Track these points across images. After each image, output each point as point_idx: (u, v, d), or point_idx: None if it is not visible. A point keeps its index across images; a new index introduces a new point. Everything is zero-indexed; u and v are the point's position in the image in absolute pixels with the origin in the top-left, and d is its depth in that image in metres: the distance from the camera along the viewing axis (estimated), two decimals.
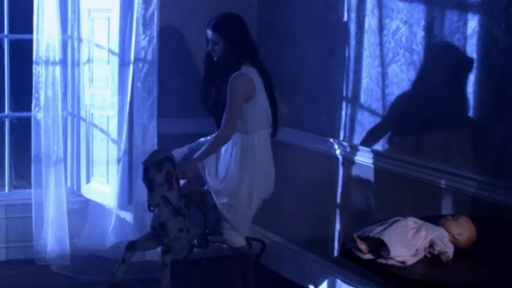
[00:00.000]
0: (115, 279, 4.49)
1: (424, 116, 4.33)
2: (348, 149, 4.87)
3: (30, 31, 5.40)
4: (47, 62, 5.39)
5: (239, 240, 4.59)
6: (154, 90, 5.43)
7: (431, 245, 2.96)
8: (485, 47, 3.90)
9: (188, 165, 4.57)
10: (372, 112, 4.70)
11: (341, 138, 4.96)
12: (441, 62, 4.23)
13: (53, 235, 5.47)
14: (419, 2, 4.31)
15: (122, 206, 5.53)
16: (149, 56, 5.40)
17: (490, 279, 2.83)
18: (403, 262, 2.89)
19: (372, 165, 4.69)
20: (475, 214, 3.76)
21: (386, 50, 4.56)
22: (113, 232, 5.56)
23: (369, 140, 4.73)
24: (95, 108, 5.62)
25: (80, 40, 5.64)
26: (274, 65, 5.43)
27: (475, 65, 3.96)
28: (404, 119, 4.49)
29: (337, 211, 5.02)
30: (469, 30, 3.98)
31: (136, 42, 5.37)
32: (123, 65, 5.42)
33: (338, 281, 5.01)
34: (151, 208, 4.49)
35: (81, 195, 5.75)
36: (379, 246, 2.92)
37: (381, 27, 4.59)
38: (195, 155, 4.56)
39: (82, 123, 5.70)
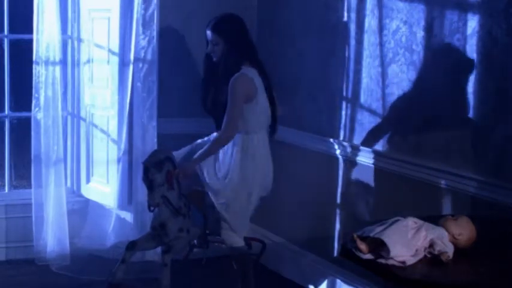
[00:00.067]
0: (115, 279, 4.50)
1: (424, 116, 4.33)
2: (348, 149, 4.87)
3: (30, 31, 5.40)
4: (47, 62, 5.39)
5: (238, 240, 4.59)
6: (154, 90, 5.44)
7: (431, 245, 2.96)
8: (485, 47, 3.90)
9: (188, 165, 4.58)
10: (372, 112, 4.70)
11: (341, 138, 4.97)
12: (441, 62, 4.23)
13: (53, 235, 5.48)
14: (419, 2, 4.31)
15: (122, 206, 5.53)
16: (149, 56, 5.40)
17: (490, 279, 2.83)
18: (403, 262, 2.89)
19: (372, 165, 4.69)
20: (475, 214, 3.76)
21: (386, 50, 4.56)
22: (113, 232, 5.56)
23: (369, 140, 4.73)
24: (95, 108, 5.62)
25: (80, 40, 5.64)
26: (274, 65, 5.43)
27: (475, 65, 3.96)
28: (404, 119, 4.49)
29: (337, 211, 5.02)
30: (469, 30, 3.98)
31: (136, 42, 5.37)
32: (123, 65, 5.42)
33: (338, 281, 5.01)
34: (151, 208, 4.49)
35: (81, 195, 5.75)
36: (379, 246, 2.92)
37: (381, 27, 4.59)
38: (196, 155, 4.56)
39: (82, 123, 5.70)
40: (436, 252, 2.94)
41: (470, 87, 4.00)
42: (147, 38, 5.38)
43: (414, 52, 4.35)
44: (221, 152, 4.57)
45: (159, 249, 4.87)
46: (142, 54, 5.39)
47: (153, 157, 4.51)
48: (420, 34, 4.31)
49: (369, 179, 4.73)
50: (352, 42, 4.84)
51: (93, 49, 5.58)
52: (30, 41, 5.41)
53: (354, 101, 4.84)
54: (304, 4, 5.32)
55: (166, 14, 5.55)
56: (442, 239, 2.97)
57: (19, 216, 5.61)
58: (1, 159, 5.94)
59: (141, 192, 5.20)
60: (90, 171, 5.69)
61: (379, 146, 4.65)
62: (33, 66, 5.40)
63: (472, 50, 3.98)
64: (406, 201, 4.39)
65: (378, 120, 4.67)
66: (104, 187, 5.60)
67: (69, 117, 5.79)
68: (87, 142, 5.67)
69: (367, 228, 3.01)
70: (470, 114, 4.02)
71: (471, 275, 2.90)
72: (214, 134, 4.70)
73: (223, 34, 4.52)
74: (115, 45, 5.44)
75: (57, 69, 5.42)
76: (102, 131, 5.57)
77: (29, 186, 5.62)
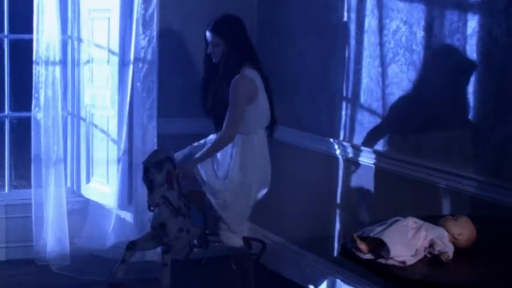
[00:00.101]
0: (115, 279, 4.50)
1: (424, 116, 4.33)
2: (348, 149, 4.87)
3: (30, 31, 5.40)
4: (47, 62, 5.39)
5: (236, 241, 4.59)
6: (154, 90, 5.44)
7: (431, 245, 2.96)
8: (485, 47, 3.90)
9: (188, 165, 4.57)
10: (372, 112, 4.70)
11: (341, 138, 4.96)
12: (441, 62, 4.23)
13: (52, 235, 5.48)
14: (419, 2, 4.31)
15: (121, 206, 5.53)
16: (149, 56, 5.40)
17: (490, 279, 2.83)
18: (403, 262, 2.89)
19: (372, 165, 4.69)
20: (475, 214, 3.76)
21: (386, 50, 4.56)
22: (113, 232, 5.56)
23: (369, 140, 4.73)
24: (95, 108, 5.62)
25: (80, 40, 5.64)
26: (274, 65, 5.44)
27: (475, 65, 3.96)
28: (404, 119, 4.49)
29: (337, 211, 5.02)
30: (469, 30, 3.98)
31: (136, 42, 5.37)
32: (123, 65, 5.42)
33: (338, 281, 5.01)
34: (151, 208, 4.49)
35: (81, 195, 5.75)
36: (379, 246, 2.92)
37: (381, 27, 4.59)
38: (196, 156, 4.57)
39: (82, 123, 5.70)
40: (436, 252, 2.94)
41: (470, 87, 4.00)
42: (147, 38, 5.38)
43: (414, 52, 4.35)
44: (220, 152, 4.57)
45: (159, 249, 4.87)
46: (142, 54, 5.39)
47: (153, 157, 4.51)
48: (420, 34, 4.31)
49: (369, 179, 4.72)
50: (352, 42, 4.84)
51: (93, 49, 5.58)
52: (30, 41, 5.41)
53: (354, 101, 4.84)
54: (304, 4, 5.32)
55: (166, 14, 5.55)
56: (442, 239, 2.97)
57: (19, 216, 5.61)
58: (1, 159, 5.94)
59: (141, 192, 5.20)
60: (90, 171, 5.69)
61: (379, 146, 4.65)
62: (33, 66, 5.40)
63: (472, 50, 3.98)
64: (406, 201, 4.39)
65: (378, 120, 4.67)
66: (104, 187, 5.60)
67: (69, 117, 5.79)
68: (87, 142, 5.67)
69: (367, 228, 3.01)
70: (470, 114, 4.02)
71: (471, 275, 2.90)
72: (212, 135, 4.70)
73: (224, 35, 4.52)
74: (115, 45, 5.44)
75: (57, 69, 5.42)
76: (102, 131, 5.57)
77: (29, 186, 5.62)
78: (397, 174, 4.47)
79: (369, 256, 2.94)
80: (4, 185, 5.79)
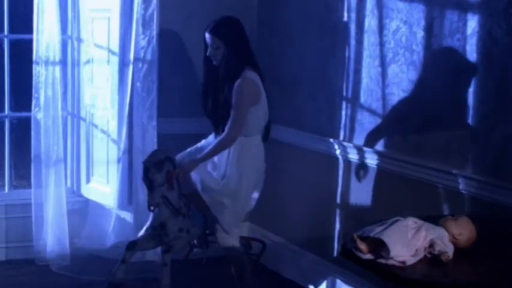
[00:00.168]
0: (115, 279, 4.50)
1: (424, 116, 4.33)
2: (348, 149, 4.87)
3: (30, 31, 5.40)
4: (46, 62, 5.39)
5: (231, 241, 4.59)
6: (153, 90, 5.44)
7: (431, 245, 2.96)
8: (485, 47, 3.90)
9: (188, 165, 4.57)
10: (372, 112, 4.70)
11: (341, 138, 4.96)
12: (441, 62, 4.23)
13: (52, 235, 5.47)
14: (419, 2, 4.31)
15: (121, 206, 5.53)
16: (149, 56, 5.40)
17: (490, 279, 2.84)
18: (403, 262, 2.89)
19: (372, 165, 4.68)
20: (475, 214, 3.76)
21: (386, 50, 4.56)
22: (113, 232, 5.56)
23: (369, 140, 4.73)
24: (95, 108, 5.62)
25: (80, 40, 5.64)
26: (274, 65, 5.44)
27: (475, 65, 3.96)
28: (404, 119, 4.49)
29: (337, 211, 5.02)
30: (469, 30, 3.98)
31: (136, 42, 5.37)
32: (123, 65, 5.42)
33: (338, 281, 5.01)
34: (151, 208, 4.49)
35: (81, 195, 5.75)
36: (379, 246, 2.92)
37: (381, 27, 4.59)
38: (198, 156, 4.57)
39: (82, 123, 5.70)
40: (436, 252, 2.94)
41: (470, 87, 3.99)
42: (147, 38, 5.38)
43: (414, 52, 4.35)
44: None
45: (159, 249, 4.87)
46: (142, 54, 5.39)
47: (153, 157, 4.51)
48: (420, 34, 4.31)
49: (369, 179, 4.73)
50: (352, 42, 4.84)
51: (93, 49, 5.58)
52: (30, 41, 5.41)
53: (354, 101, 4.84)
54: (304, 4, 5.32)
55: (166, 14, 5.55)
56: (442, 239, 2.97)
57: (19, 216, 5.60)
58: (1, 159, 5.94)
59: (141, 192, 5.20)
60: (90, 171, 5.69)
61: (379, 146, 4.65)
62: (33, 66, 5.40)
63: (472, 50, 3.98)
64: (406, 201, 4.38)
65: (378, 120, 4.67)
66: (104, 187, 5.60)
67: (69, 117, 5.79)
68: (87, 142, 5.67)
69: (367, 228, 3.02)
70: (470, 114, 4.02)
71: (471, 275, 2.90)
72: (211, 136, 4.71)
73: (224, 37, 4.52)
74: (115, 45, 5.44)
75: (57, 69, 5.42)
76: (102, 131, 5.57)
77: (29, 186, 5.62)
78: (397, 174, 4.47)
79: (369, 256, 2.94)
80: (4, 185, 5.79)
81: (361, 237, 2.97)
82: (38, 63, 5.39)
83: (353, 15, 4.84)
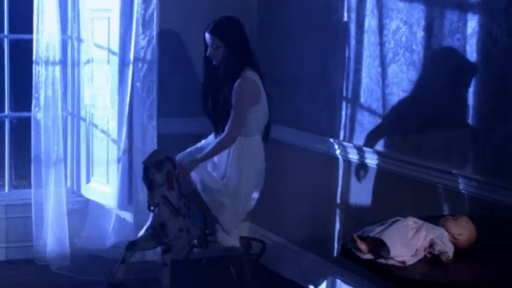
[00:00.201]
0: (115, 279, 4.50)
1: (424, 116, 4.33)
2: (348, 149, 4.87)
3: (30, 31, 5.40)
4: (46, 62, 5.39)
5: (231, 241, 4.59)
6: (153, 90, 5.44)
7: (431, 245, 2.96)
8: (485, 47, 3.90)
9: (188, 165, 4.58)
10: (372, 112, 4.70)
11: (341, 138, 4.96)
12: (441, 62, 4.23)
13: (52, 235, 5.47)
14: (419, 2, 4.31)
15: (121, 206, 5.53)
16: (149, 56, 5.40)
17: (490, 279, 2.84)
18: (403, 262, 2.89)
19: (372, 165, 4.68)
20: (475, 214, 3.76)
21: (386, 50, 4.56)
22: (113, 232, 5.56)
23: (369, 140, 4.73)
24: (95, 108, 5.62)
25: (80, 40, 5.64)
26: (274, 65, 5.44)
27: (475, 65, 3.96)
28: (404, 119, 4.49)
29: (337, 211, 5.02)
30: (469, 30, 3.98)
31: (136, 42, 5.37)
32: (123, 65, 5.42)
33: (338, 281, 5.01)
34: (151, 208, 4.49)
35: (81, 195, 5.75)
36: (379, 246, 2.92)
37: (381, 27, 4.59)
38: (198, 156, 4.57)
39: (82, 123, 5.70)
40: (436, 252, 2.94)
41: (470, 87, 3.99)
42: (147, 38, 5.38)
43: (414, 52, 4.35)
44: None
45: (159, 249, 4.87)
46: (142, 54, 5.39)
47: (153, 157, 4.51)
48: (420, 34, 4.31)
49: (369, 179, 4.73)
50: (352, 42, 4.84)
51: (93, 49, 5.58)
52: (30, 41, 5.41)
53: (354, 101, 4.84)
54: (304, 4, 5.32)
55: (166, 14, 5.55)
56: (442, 239, 2.97)
57: (19, 216, 5.60)
58: (1, 159, 5.94)
59: (141, 192, 5.20)
60: (90, 171, 5.69)
61: (379, 146, 4.65)
62: (33, 66, 5.40)
63: (472, 50, 3.98)
64: (406, 201, 4.38)
65: (378, 120, 4.67)
66: (104, 187, 5.60)
67: (69, 117, 5.79)
68: (87, 142, 5.67)
69: (367, 228, 3.02)
70: (470, 114, 4.02)
71: (471, 275, 2.90)
72: (211, 136, 4.71)
73: (224, 37, 4.52)
74: (115, 45, 5.44)
75: (57, 69, 5.42)
76: (102, 131, 5.57)
77: (29, 186, 5.62)
78: (397, 174, 4.47)
79: (369, 256, 2.94)
80: (4, 185, 5.79)
81: (361, 237, 2.97)
82: (38, 63, 5.39)
83: (353, 15, 4.84)
